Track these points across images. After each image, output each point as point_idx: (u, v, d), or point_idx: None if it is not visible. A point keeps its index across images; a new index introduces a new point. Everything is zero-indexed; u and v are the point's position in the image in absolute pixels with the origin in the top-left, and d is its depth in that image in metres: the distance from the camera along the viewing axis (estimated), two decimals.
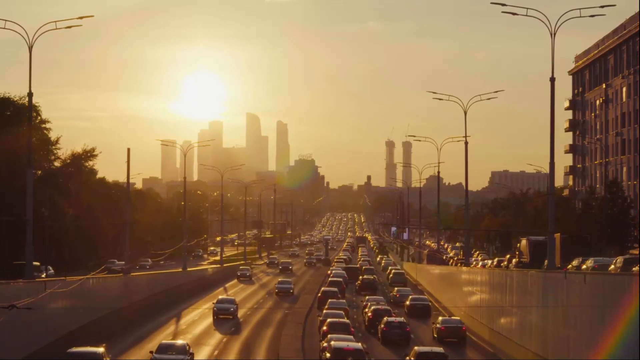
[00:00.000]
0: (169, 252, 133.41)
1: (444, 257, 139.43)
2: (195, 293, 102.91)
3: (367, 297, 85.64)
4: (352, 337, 56.85)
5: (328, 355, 50.08)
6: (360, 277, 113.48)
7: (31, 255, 56.85)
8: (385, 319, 65.69)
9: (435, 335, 67.42)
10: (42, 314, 50.87)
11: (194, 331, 70.53)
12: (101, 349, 48.27)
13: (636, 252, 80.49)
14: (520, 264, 78.15)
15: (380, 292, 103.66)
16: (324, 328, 61.26)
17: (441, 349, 52.95)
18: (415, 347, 52.70)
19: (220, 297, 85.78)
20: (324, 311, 70.84)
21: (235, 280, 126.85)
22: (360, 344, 53.71)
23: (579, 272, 50.42)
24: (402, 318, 69.16)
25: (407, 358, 51.67)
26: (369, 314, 72.00)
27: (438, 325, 67.59)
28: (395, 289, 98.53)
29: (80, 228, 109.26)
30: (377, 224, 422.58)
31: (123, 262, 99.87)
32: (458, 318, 71.57)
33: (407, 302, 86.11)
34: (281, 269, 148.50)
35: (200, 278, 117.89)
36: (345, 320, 64.79)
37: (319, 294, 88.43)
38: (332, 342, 51.32)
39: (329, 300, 79.16)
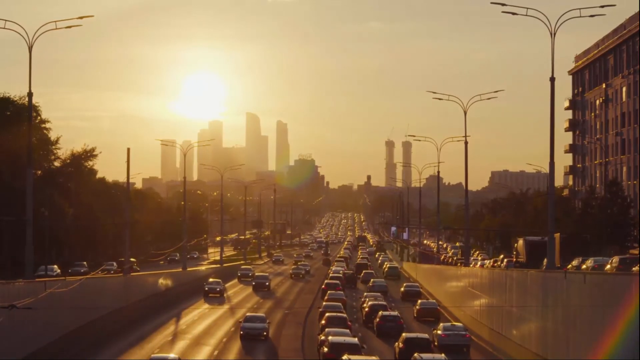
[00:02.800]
0: (168, 252, 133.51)
1: (442, 257, 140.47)
2: (196, 293, 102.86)
3: (365, 293, 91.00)
4: (348, 331, 59.22)
5: (326, 349, 52.03)
6: (343, 271, 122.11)
7: (31, 255, 56.85)
8: (380, 312, 69.52)
9: (415, 315, 78.89)
10: (42, 314, 50.85)
11: (193, 331, 70.48)
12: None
13: (636, 252, 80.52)
14: (518, 264, 79.24)
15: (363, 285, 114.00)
16: (323, 322, 64.45)
17: (426, 335, 57.68)
18: (404, 334, 57.09)
19: (154, 355, 52.09)
20: (324, 303, 77.98)
21: (202, 300, 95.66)
22: (356, 338, 55.72)
23: (579, 272, 50.49)
24: (397, 312, 72.69)
25: (397, 344, 55.55)
26: (366, 309, 75.63)
27: (417, 307, 79.91)
28: (372, 280, 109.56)
29: (80, 228, 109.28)
30: (377, 224, 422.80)
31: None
32: (433, 301, 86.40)
33: (402, 289, 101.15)
34: (254, 285, 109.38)
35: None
36: (343, 314, 68.42)
37: (323, 286, 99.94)
38: (330, 337, 53.56)
39: (329, 291, 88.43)
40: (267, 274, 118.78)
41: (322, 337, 56.11)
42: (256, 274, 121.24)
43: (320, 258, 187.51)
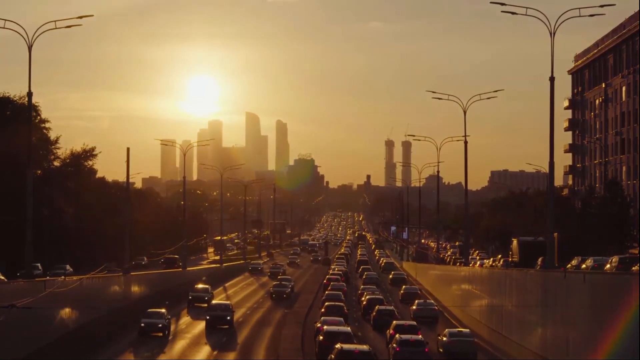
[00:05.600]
0: (168, 251, 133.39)
1: (441, 256, 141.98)
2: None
3: (362, 287, 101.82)
4: (342, 320, 63.55)
5: (321, 337, 55.82)
6: (337, 269, 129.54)
7: (31, 255, 56.77)
8: (377, 307, 74.58)
9: (400, 299, 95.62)
10: (42, 314, 50.84)
11: (193, 331, 70.44)
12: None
13: (635, 251, 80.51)
14: (513, 264, 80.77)
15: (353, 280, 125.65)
16: (322, 310, 73.04)
17: (414, 322, 64.20)
18: (394, 322, 62.44)
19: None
20: (326, 292, 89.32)
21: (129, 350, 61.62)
22: (349, 327, 60.08)
23: (579, 272, 50.48)
24: (392, 307, 78.85)
25: (388, 330, 60.88)
26: (364, 302, 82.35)
27: (402, 292, 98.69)
28: (365, 273, 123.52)
29: (80, 228, 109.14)
30: (376, 224, 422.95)
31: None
32: (416, 286, 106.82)
33: (391, 276, 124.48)
34: (208, 320, 71.09)
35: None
36: (341, 303, 76.08)
37: (324, 281, 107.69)
38: (325, 327, 57.86)
39: (332, 283, 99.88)
40: (227, 303, 77.45)
41: (318, 325, 60.74)
42: (214, 302, 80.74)
43: (311, 266, 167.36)
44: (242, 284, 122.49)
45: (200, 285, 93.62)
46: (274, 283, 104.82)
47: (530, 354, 50.69)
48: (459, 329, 62.63)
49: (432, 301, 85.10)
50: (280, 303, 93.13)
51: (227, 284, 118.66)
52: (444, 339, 58.31)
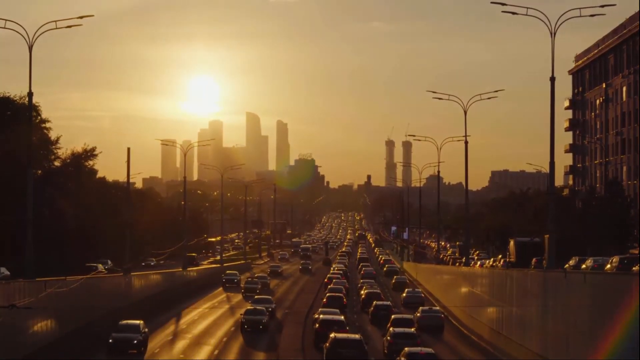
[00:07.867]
0: (168, 251, 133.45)
1: (442, 256, 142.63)
2: (196, 293, 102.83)
3: (361, 281, 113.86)
4: (338, 310, 70.74)
5: (317, 325, 62.23)
6: (335, 265, 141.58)
7: (31, 255, 56.70)
8: (374, 302, 79.68)
9: (392, 287, 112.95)
10: (42, 314, 50.80)
11: (193, 331, 70.44)
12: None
13: (636, 251, 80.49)
14: (510, 264, 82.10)
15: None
16: (324, 300, 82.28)
17: (411, 316, 69.21)
18: (393, 316, 66.69)
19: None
20: (329, 287, 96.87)
21: None
22: (343, 317, 66.29)
23: (579, 272, 50.49)
24: (389, 302, 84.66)
25: (388, 325, 63.65)
26: (363, 296, 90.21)
27: (394, 281, 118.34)
28: (363, 268, 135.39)
29: (81, 228, 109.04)
30: (376, 223, 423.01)
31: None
32: (405, 277, 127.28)
33: (385, 269, 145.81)
34: None
35: None
36: (340, 294, 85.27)
37: (325, 279, 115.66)
38: (321, 316, 64.54)
39: (334, 280, 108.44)
40: None
41: (316, 316, 67.13)
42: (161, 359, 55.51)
43: (301, 277, 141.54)
44: (208, 303, 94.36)
45: (126, 322, 60.35)
46: (246, 308, 72.96)
47: (530, 354, 50.66)
48: (430, 307, 77.01)
49: (420, 289, 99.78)
50: (257, 343, 64.04)
51: (185, 309, 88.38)
52: (418, 314, 71.45)
